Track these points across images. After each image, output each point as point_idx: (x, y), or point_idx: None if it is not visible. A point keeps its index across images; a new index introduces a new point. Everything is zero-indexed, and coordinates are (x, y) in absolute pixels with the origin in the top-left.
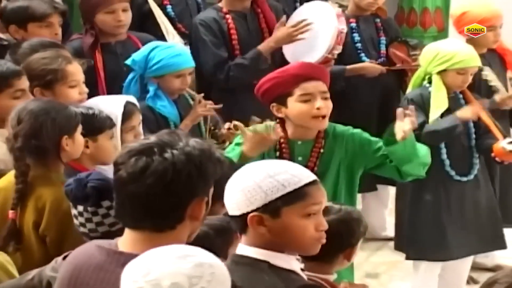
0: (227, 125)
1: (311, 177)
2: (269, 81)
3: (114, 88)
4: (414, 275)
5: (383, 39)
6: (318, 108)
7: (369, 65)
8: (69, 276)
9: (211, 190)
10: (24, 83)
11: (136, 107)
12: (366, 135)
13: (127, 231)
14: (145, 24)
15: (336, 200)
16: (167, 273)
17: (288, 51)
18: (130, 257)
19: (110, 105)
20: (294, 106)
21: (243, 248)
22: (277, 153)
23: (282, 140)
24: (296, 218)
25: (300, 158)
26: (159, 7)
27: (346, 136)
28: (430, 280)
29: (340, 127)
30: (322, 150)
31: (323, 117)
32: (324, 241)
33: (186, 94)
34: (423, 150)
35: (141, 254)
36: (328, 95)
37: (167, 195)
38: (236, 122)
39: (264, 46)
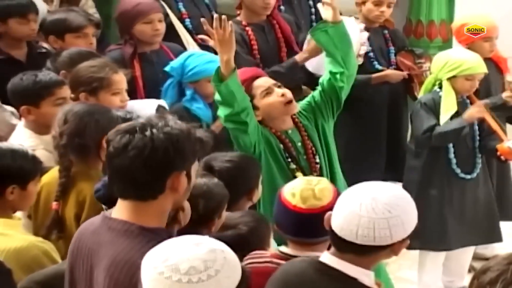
0: None
1: None
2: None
3: (151, 94)
4: (421, 264)
5: (392, 49)
6: (282, 95)
7: (392, 72)
8: (75, 238)
9: (194, 166)
10: (65, 92)
11: (166, 110)
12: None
13: (118, 201)
14: (167, 36)
15: (333, 166)
16: (185, 258)
17: (310, 63)
18: (116, 222)
19: (144, 108)
20: (262, 103)
21: (330, 258)
22: (281, 145)
23: (277, 134)
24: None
25: (299, 144)
26: (179, 20)
27: (305, 108)
28: (435, 268)
29: (300, 104)
30: (308, 131)
31: (291, 101)
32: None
33: None
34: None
35: (128, 220)
36: (280, 83)
37: (146, 168)
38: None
39: (300, 56)
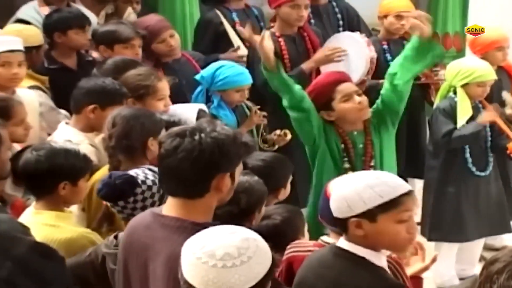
0: (277, 131)
1: (406, 188)
2: (310, 94)
3: (175, 100)
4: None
5: None
6: (359, 103)
7: None
8: (127, 233)
9: (239, 167)
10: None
11: (207, 113)
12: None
13: (168, 198)
14: (220, 42)
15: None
16: (220, 245)
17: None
18: (169, 219)
19: (186, 112)
20: (340, 107)
21: (344, 243)
22: (342, 145)
23: (342, 134)
24: (391, 224)
25: (360, 145)
26: (232, 28)
27: (374, 113)
28: (449, 258)
29: (370, 111)
30: (372, 136)
31: (363, 109)
32: (415, 240)
33: (244, 104)
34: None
35: (178, 217)
36: (360, 91)
37: (193, 169)
38: (286, 130)
39: (306, 65)
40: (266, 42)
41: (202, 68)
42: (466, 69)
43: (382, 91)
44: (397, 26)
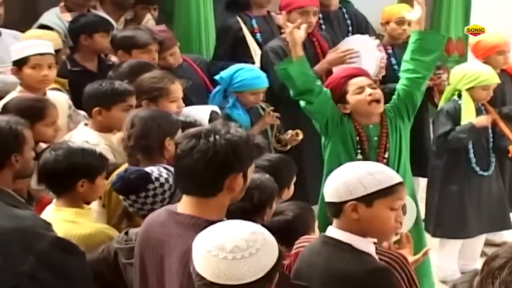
0: (290, 132)
1: (399, 178)
2: (330, 79)
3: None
4: (440, 249)
5: None
6: (370, 95)
7: None
8: (143, 230)
9: (251, 167)
10: (133, 100)
11: (219, 115)
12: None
13: (183, 196)
14: (239, 46)
15: (400, 165)
16: (230, 238)
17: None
18: (183, 216)
19: (199, 113)
20: (352, 99)
21: (332, 230)
22: (357, 138)
23: (358, 127)
24: (384, 209)
25: (375, 138)
26: (251, 34)
27: (392, 108)
28: (452, 254)
29: (387, 106)
30: (388, 129)
31: (377, 101)
32: (399, 230)
33: (258, 105)
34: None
35: (192, 214)
36: (375, 85)
37: (207, 169)
38: (298, 131)
39: (319, 67)
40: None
41: (205, 71)
42: (472, 74)
43: (398, 86)
44: (399, 32)
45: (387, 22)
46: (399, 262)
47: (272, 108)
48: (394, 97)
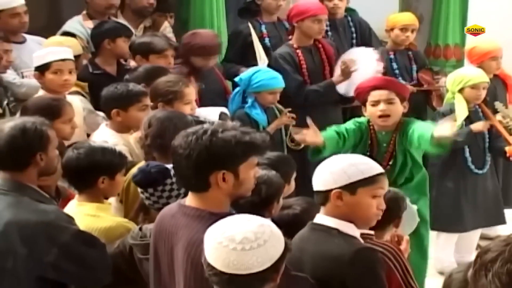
0: (304, 131)
1: (381, 169)
2: (355, 90)
3: (205, 102)
4: (437, 242)
5: (414, 67)
6: (381, 110)
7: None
8: (157, 222)
9: (246, 164)
10: (148, 100)
11: (228, 116)
12: (416, 125)
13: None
14: (247, 50)
15: (403, 173)
16: (239, 230)
17: (341, 87)
18: (189, 208)
19: (209, 114)
20: (368, 108)
21: (320, 217)
22: (369, 141)
23: (372, 132)
24: (367, 197)
25: (384, 145)
26: (259, 39)
27: (408, 127)
28: (449, 246)
29: (409, 121)
30: (397, 140)
31: (386, 116)
32: (380, 217)
33: (274, 107)
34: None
35: (197, 207)
36: (394, 100)
37: (188, 168)
38: None
39: (336, 79)
40: (310, 138)
41: (223, 74)
42: (460, 76)
43: (418, 134)
44: (402, 38)
45: (392, 29)
46: (393, 252)
47: (289, 109)
48: (412, 133)
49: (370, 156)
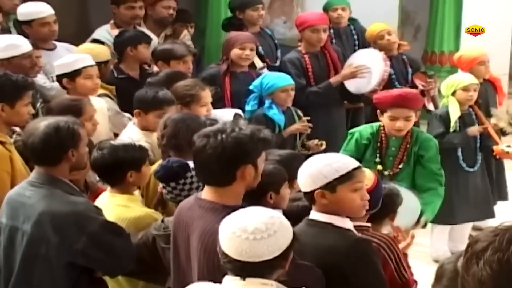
0: (315, 141)
1: (356, 164)
2: (381, 96)
3: (236, 102)
4: (431, 233)
5: (410, 71)
6: (397, 127)
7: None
8: (176, 214)
9: (261, 158)
10: (171, 109)
11: (241, 117)
12: (432, 155)
13: (205, 186)
14: None
15: (413, 180)
16: (251, 222)
17: (351, 85)
18: (205, 201)
19: (224, 115)
20: (385, 119)
21: (314, 214)
22: (378, 144)
23: (382, 135)
24: (347, 192)
25: (393, 149)
26: None
27: (425, 144)
28: (442, 237)
29: (425, 135)
30: (408, 145)
31: (400, 130)
32: (367, 207)
33: (293, 111)
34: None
35: (212, 200)
36: (411, 118)
37: (219, 163)
38: (323, 141)
39: (334, 80)
40: None
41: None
42: (452, 81)
43: (424, 168)
44: (385, 43)
45: (374, 42)
46: (387, 243)
47: (307, 118)
48: (421, 158)
49: (380, 157)
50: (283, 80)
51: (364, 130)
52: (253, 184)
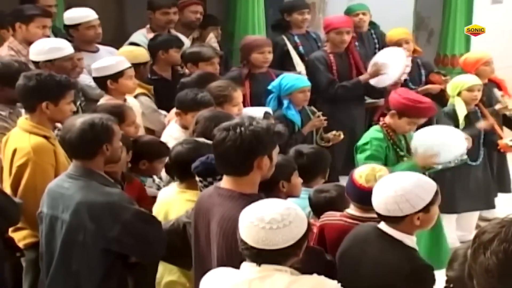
0: (334, 132)
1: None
2: (408, 100)
3: (255, 103)
4: None
5: (423, 72)
6: (411, 129)
7: (431, 86)
8: (197, 202)
9: (275, 150)
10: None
11: (271, 115)
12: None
13: (224, 176)
14: (284, 59)
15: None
16: (268, 212)
17: (372, 79)
18: (224, 190)
19: (255, 114)
20: (402, 122)
21: (386, 227)
22: (390, 141)
23: (391, 134)
24: (436, 209)
25: (402, 142)
26: (294, 48)
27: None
28: (450, 226)
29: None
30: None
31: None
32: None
33: (308, 110)
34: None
35: (230, 188)
36: (421, 123)
37: (237, 155)
38: (340, 132)
39: (363, 77)
40: None
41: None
42: (457, 82)
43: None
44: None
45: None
46: None
47: (321, 113)
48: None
49: (406, 151)
50: (301, 81)
51: (375, 136)
52: (268, 174)
